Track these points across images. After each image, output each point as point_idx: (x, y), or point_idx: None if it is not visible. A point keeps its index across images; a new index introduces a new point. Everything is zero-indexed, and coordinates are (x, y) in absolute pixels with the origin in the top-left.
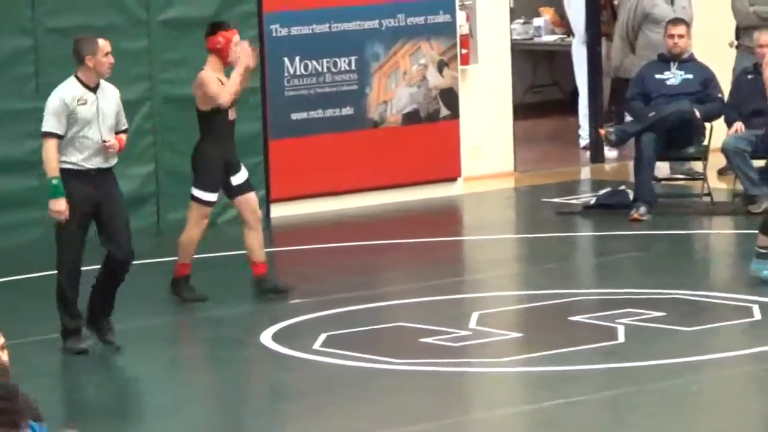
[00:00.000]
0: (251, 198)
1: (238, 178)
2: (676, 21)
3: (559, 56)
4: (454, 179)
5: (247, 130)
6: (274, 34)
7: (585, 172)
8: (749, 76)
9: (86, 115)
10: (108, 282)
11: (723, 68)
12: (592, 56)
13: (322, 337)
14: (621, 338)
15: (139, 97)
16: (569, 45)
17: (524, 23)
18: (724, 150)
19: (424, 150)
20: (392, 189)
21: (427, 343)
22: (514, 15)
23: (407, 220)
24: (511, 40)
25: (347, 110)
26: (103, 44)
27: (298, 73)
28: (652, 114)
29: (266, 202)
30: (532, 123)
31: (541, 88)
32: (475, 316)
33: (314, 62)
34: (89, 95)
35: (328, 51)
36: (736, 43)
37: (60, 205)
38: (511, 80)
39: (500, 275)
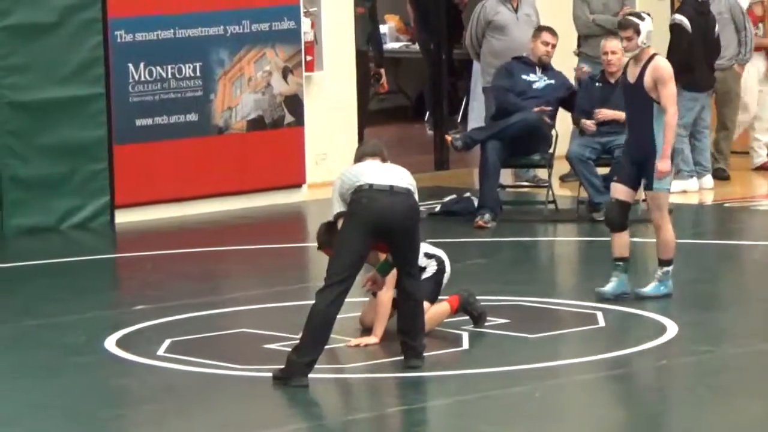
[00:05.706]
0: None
1: None
2: (552, 31)
3: (404, 63)
4: (298, 186)
5: (92, 136)
6: (118, 40)
7: (430, 179)
8: (597, 84)
9: None
10: None
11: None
12: (437, 63)
13: (167, 343)
14: (465, 345)
15: None
16: (414, 52)
17: None
18: (569, 158)
19: (268, 156)
20: (236, 195)
21: (271, 350)
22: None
23: (251, 226)
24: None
25: (192, 116)
26: None
27: (142, 79)
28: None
29: (110, 208)
30: (377, 130)
31: (385, 95)
32: None
33: (159, 68)
34: None
35: (173, 57)
36: (578, 50)
37: None
38: (356, 87)
39: None
